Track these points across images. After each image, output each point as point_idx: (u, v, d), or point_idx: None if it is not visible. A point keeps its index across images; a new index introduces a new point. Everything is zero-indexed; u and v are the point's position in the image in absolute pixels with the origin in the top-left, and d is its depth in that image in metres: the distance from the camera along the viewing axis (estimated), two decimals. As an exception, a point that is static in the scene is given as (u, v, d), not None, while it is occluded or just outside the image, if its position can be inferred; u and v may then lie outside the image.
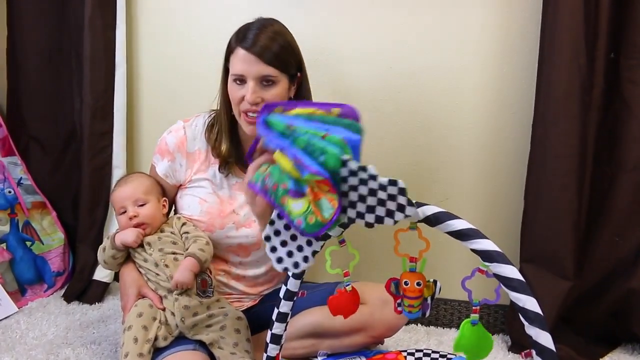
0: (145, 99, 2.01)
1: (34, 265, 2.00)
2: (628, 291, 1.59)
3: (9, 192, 2.00)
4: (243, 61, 1.33)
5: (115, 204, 1.46)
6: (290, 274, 1.02)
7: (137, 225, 1.41)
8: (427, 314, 0.97)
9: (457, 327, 1.81)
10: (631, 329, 1.64)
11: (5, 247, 1.94)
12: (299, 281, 1.05)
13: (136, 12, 1.94)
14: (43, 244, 2.05)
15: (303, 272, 1.04)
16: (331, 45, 1.78)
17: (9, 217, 1.98)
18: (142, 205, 1.43)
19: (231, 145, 1.46)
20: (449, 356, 1.27)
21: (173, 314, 1.31)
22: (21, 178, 2.05)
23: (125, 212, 1.43)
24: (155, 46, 1.96)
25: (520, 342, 1.66)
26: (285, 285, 1.06)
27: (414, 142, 1.79)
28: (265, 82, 1.34)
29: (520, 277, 0.79)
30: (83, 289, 1.96)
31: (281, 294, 1.07)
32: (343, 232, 0.99)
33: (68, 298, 1.95)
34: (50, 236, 2.08)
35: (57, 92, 2.07)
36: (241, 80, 1.35)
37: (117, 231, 1.44)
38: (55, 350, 1.58)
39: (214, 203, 1.47)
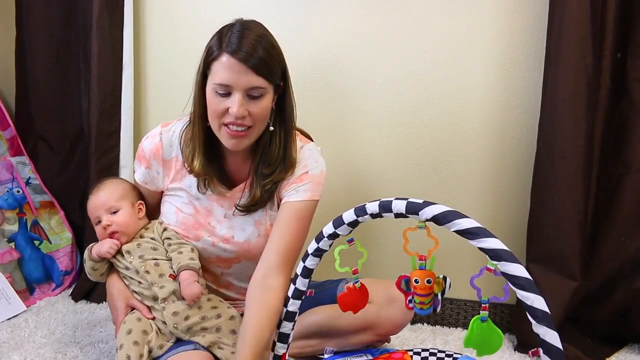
0: (152, 98, 2.02)
1: (42, 265, 2.02)
2: (635, 291, 1.59)
3: (18, 191, 2.01)
4: (230, 70, 1.20)
5: (91, 215, 1.42)
6: (298, 272, 1.03)
7: (111, 234, 1.38)
8: (438, 309, 0.98)
9: (464, 326, 1.83)
10: (638, 329, 1.64)
11: (13, 247, 1.95)
12: (307, 280, 1.06)
13: (144, 12, 1.95)
14: (51, 243, 2.06)
15: (312, 270, 1.04)
16: (340, 46, 1.79)
17: (18, 217, 2.00)
18: (115, 213, 1.39)
19: (206, 161, 1.33)
20: (455, 356, 1.27)
21: (165, 322, 1.28)
22: (29, 178, 2.06)
23: (99, 222, 1.40)
24: (162, 46, 1.97)
25: (526, 342, 1.66)
26: (294, 284, 1.06)
27: (421, 141, 1.79)
28: (254, 94, 1.23)
29: (528, 276, 0.80)
30: (90, 288, 1.97)
31: (289, 293, 1.08)
32: (352, 231, 0.99)
33: (76, 297, 1.96)
34: (58, 235, 2.09)
35: (65, 93, 2.09)
36: (225, 90, 1.22)
37: (92, 244, 1.42)
38: (63, 349, 1.59)
39: (189, 214, 1.40)
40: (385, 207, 0.92)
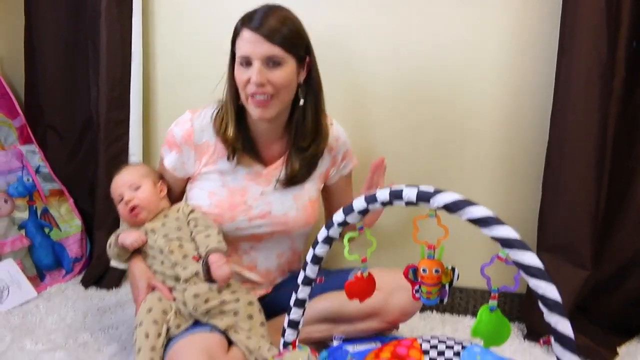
0: (161, 87, 2.02)
1: (53, 252, 2.03)
2: (646, 281, 1.59)
3: (28, 179, 2.02)
4: (249, 42, 1.31)
5: (114, 194, 1.47)
6: (308, 259, 1.03)
7: (133, 209, 1.41)
8: (445, 300, 0.97)
9: (473, 314, 1.83)
10: (648, 319, 1.64)
11: (24, 234, 1.97)
12: (317, 267, 1.05)
13: (153, 0, 1.95)
14: (61, 230, 2.08)
15: (321, 258, 1.04)
16: (344, 27, 1.78)
17: (28, 205, 2.01)
18: (137, 189, 1.44)
19: (238, 132, 1.42)
20: (464, 343, 1.27)
21: (185, 303, 1.30)
22: (39, 166, 2.07)
23: (122, 199, 1.44)
24: (171, 35, 1.96)
25: (536, 330, 1.66)
26: (304, 270, 1.06)
27: (432, 132, 1.78)
28: (272, 62, 1.32)
29: (540, 265, 0.79)
30: (100, 274, 1.99)
31: (299, 280, 1.08)
32: (362, 219, 0.99)
33: (86, 283, 1.98)
34: (68, 223, 2.10)
35: (74, 81, 2.10)
36: (247, 62, 1.33)
37: (122, 228, 1.46)
38: (74, 335, 1.61)
39: (224, 196, 1.45)
40: (396, 195, 0.91)
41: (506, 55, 1.69)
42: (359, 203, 0.97)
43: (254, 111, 1.37)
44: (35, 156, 2.08)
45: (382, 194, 0.93)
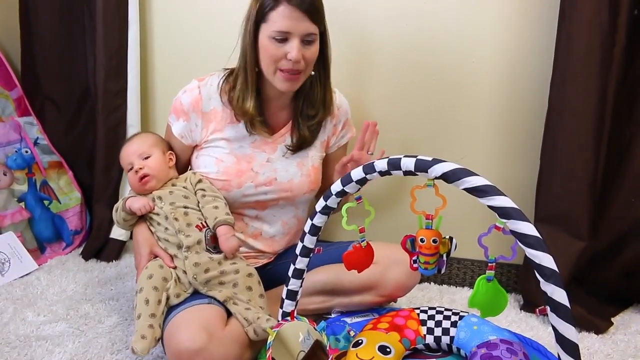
0: (158, 57, 1.99)
1: (52, 224, 2.04)
2: (642, 252, 1.59)
3: (26, 151, 2.01)
4: (289, 18, 1.31)
5: (123, 162, 1.49)
6: (306, 230, 1.03)
7: (143, 177, 1.43)
8: (443, 270, 0.98)
9: (470, 285, 1.84)
10: (644, 289, 1.65)
11: (24, 206, 1.97)
12: (315, 238, 1.06)
13: (148, -32, 1.92)
14: (60, 203, 2.08)
15: (319, 228, 1.04)
16: (348, 3, 1.75)
17: (27, 177, 2.01)
18: (147, 158, 1.45)
19: (257, 102, 1.44)
20: (461, 314, 1.28)
21: (185, 272, 1.31)
22: (37, 138, 2.06)
23: (132, 168, 1.45)
24: (168, 3, 1.93)
25: (532, 301, 1.67)
26: (302, 241, 1.06)
27: (431, 101, 1.77)
28: (308, 39, 1.34)
29: (537, 234, 0.79)
30: (100, 247, 2.00)
31: (297, 251, 1.08)
32: (360, 189, 0.99)
33: (86, 256, 1.99)
34: (67, 195, 2.11)
35: (71, 52, 2.07)
36: (283, 37, 1.32)
37: (130, 194, 1.46)
38: (75, 306, 1.62)
39: (231, 163, 1.47)
40: (394, 164, 0.91)
41: (506, 21, 1.67)
42: (356, 173, 0.97)
43: (282, 84, 1.38)
44: (33, 128, 2.07)
45: (381, 164, 0.93)
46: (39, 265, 1.90)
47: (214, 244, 1.35)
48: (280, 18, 1.31)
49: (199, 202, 1.42)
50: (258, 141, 1.49)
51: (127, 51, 1.92)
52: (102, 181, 2.01)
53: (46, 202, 2.04)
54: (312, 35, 1.34)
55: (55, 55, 2.07)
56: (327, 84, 1.50)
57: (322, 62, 1.46)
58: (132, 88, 1.94)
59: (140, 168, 1.43)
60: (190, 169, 1.56)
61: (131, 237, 2.00)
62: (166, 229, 1.37)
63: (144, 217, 1.43)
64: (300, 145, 1.52)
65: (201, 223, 1.37)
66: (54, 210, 2.05)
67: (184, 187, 1.44)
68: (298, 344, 1.08)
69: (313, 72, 1.44)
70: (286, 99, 1.50)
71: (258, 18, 1.36)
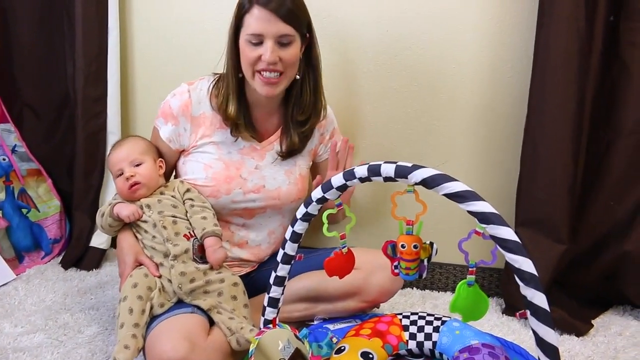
0: (139, 62, 1.98)
1: (31, 233, 2.01)
2: (621, 254, 1.61)
3: (4, 159, 1.98)
4: (261, 20, 1.31)
5: (112, 167, 1.45)
6: (287, 237, 1.03)
7: (133, 185, 1.40)
8: (424, 275, 0.98)
9: (453, 290, 1.84)
10: (623, 292, 1.66)
11: (1, 215, 1.94)
12: (296, 245, 1.05)
13: (128, -26, 1.91)
14: (39, 211, 2.05)
15: (300, 235, 1.04)
16: (329, 9, 1.76)
17: (5, 185, 1.97)
18: (138, 165, 1.42)
19: (239, 107, 1.43)
20: (443, 319, 1.28)
21: (170, 281, 1.30)
22: (15, 145, 2.03)
23: (122, 174, 1.42)
24: (150, 7, 1.92)
25: (514, 305, 1.68)
26: (283, 249, 1.06)
27: (411, 106, 1.78)
28: (283, 41, 1.34)
29: (517, 239, 0.80)
30: (80, 255, 1.97)
31: (279, 258, 1.08)
32: (340, 195, 0.99)
33: (65, 265, 1.96)
34: (46, 203, 2.07)
35: (50, 57, 2.05)
36: (258, 40, 1.33)
37: (116, 200, 1.43)
38: (54, 316, 1.59)
39: (220, 169, 1.45)
40: (374, 170, 0.91)
41: (486, 27, 1.68)
42: (337, 179, 0.96)
43: (261, 88, 1.38)
44: (11, 135, 2.03)
45: (361, 170, 0.93)
46: (17, 275, 1.86)
47: (200, 254, 1.34)
48: (253, 21, 1.32)
49: (187, 212, 1.40)
50: (247, 148, 1.48)
51: (107, 57, 1.90)
52: (82, 188, 1.98)
53: (24, 211, 2.01)
54: (288, 37, 1.33)
55: (33, 61, 2.04)
56: (317, 88, 1.50)
57: (311, 64, 1.46)
58: (112, 94, 1.92)
59: (132, 175, 1.40)
60: (174, 175, 1.55)
61: (112, 246, 1.99)
62: (154, 237, 1.35)
63: (129, 224, 1.41)
64: (290, 152, 1.51)
65: (189, 232, 1.35)
66: (32, 219, 2.02)
67: (172, 196, 1.42)
68: (278, 352, 1.07)
69: (298, 77, 1.44)
70: (273, 104, 1.50)
71: (237, 23, 1.37)
